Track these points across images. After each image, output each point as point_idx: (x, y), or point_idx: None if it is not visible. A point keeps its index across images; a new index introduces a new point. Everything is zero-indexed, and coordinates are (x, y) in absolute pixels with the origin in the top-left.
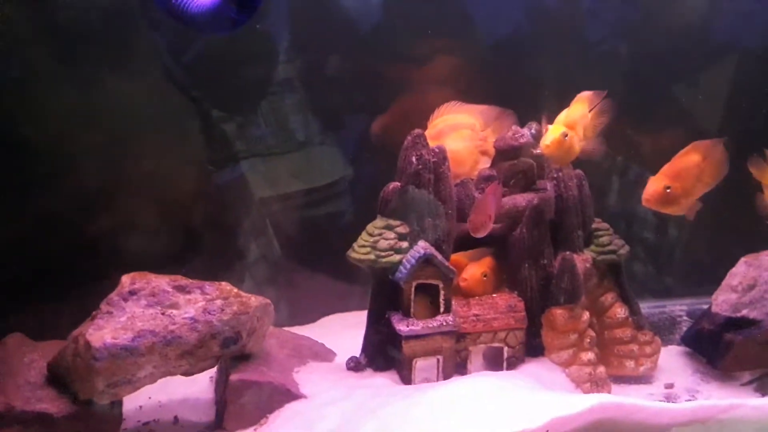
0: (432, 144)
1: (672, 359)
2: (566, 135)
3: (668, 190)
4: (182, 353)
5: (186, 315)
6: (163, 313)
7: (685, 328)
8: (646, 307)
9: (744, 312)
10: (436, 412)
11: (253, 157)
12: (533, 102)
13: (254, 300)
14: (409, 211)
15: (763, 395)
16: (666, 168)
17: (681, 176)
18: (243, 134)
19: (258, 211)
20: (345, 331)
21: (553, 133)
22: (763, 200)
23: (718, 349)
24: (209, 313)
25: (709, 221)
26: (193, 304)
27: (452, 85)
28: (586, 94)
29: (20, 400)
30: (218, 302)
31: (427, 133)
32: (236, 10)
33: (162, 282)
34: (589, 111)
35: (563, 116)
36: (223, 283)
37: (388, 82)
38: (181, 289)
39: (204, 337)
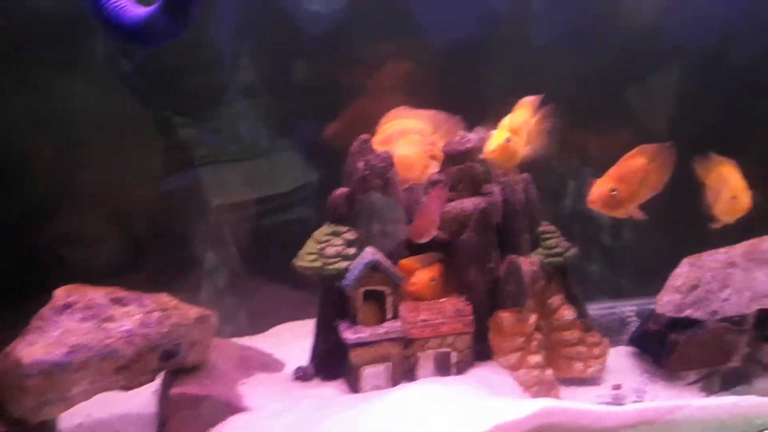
0: (381, 149)
1: (620, 360)
2: (509, 140)
3: (614, 193)
4: (119, 368)
5: (122, 328)
6: (98, 327)
7: (634, 329)
8: (596, 308)
9: (688, 312)
10: (384, 421)
11: (211, 164)
12: (484, 106)
13: (194, 311)
14: (357, 216)
15: (709, 395)
16: (612, 171)
17: (626, 179)
18: (200, 140)
19: (214, 219)
20: (296, 340)
21: (496, 138)
22: (707, 201)
23: (664, 349)
24: (146, 326)
25: (660, 222)
26: (130, 316)
27: (405, 90)
28: (528, 99)
29: None
30: (156, 314)
31: (376, 138)
32: (170, 20)
33: (98, 295)
34: (533, 115)
35: (507, 121)
36: (162, 294)
37: (344, 87)
38: (118, 301)
39: (141, 351)
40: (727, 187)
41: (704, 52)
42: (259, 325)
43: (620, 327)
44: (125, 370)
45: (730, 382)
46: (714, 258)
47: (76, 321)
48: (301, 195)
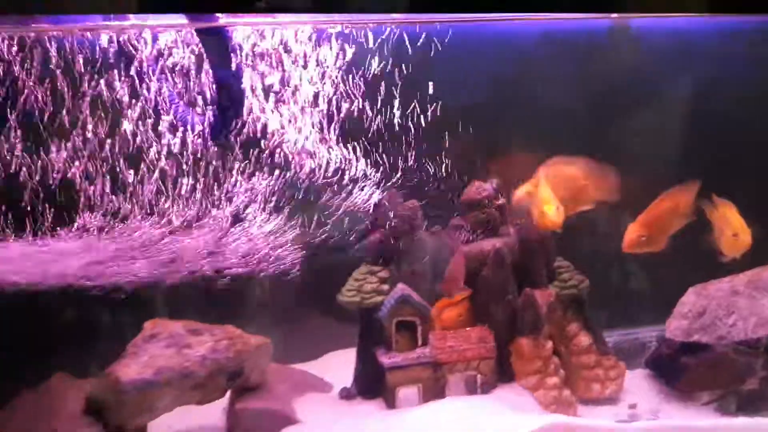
0: (528, 191)
1: (638, 382)
2: (559, 208)
3: (642, 239)
4: (195, 386)
5: (198, 353)
6: (178, 353)
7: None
8: (619, 333)
9: (696, 337)
10: (417, 426)
11: None
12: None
13: (254, 340)
14: (388, 258)
15: (724, 415)
16: (641, 217)
17: (653, 224)
18: None
19: None
20: (343, 366)
21: (549, 209)
22: (713, 237)
23: (676, 371)
24: (217, 352)
25: (677, 258)
26: (204, 344)
27: None
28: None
29: (63, 428)
30: (224, 342)
31: (531, 181)
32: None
33: (178, 326)
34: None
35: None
36: (229, 326)
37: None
38: (194, 332)
39: (213, 372)
40: (729, 226)
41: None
42: (311, 353)
43: (641, 351)
44: (200, 388)
45: (749, 403)
46: (718, 287)
47: (161, 348)
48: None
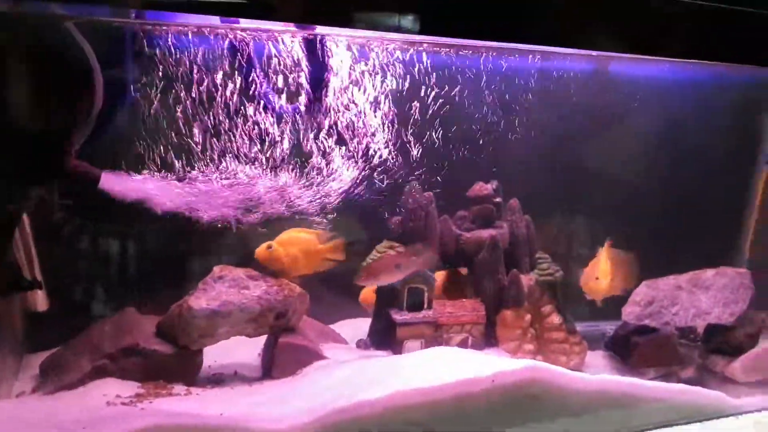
0: None
1: (597, 360)
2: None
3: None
4: (249, 319)
5: (254, 294)
6: (239, 292)
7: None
8: (584, 325)
9: (646, 321)
10: (418, 364)
11: None
12: None
13: (298, 289)
14: (406, 237)
15: None
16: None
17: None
18: None
19: None
20: (354, 330)
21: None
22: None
23: (628, 348)
24: (269, 294)
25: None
26: (259, 287)
27: None
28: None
29: (142, 341)
30: (275, 288)
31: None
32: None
33: (240, 272)
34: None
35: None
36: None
37: None
38: (252, 277)
39: (264, 310)
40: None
41: None
42: (327, 320)
43: (600, 338)
44: (252, 322)
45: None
46: (666, 282)
47: (226, 287)
48: None
